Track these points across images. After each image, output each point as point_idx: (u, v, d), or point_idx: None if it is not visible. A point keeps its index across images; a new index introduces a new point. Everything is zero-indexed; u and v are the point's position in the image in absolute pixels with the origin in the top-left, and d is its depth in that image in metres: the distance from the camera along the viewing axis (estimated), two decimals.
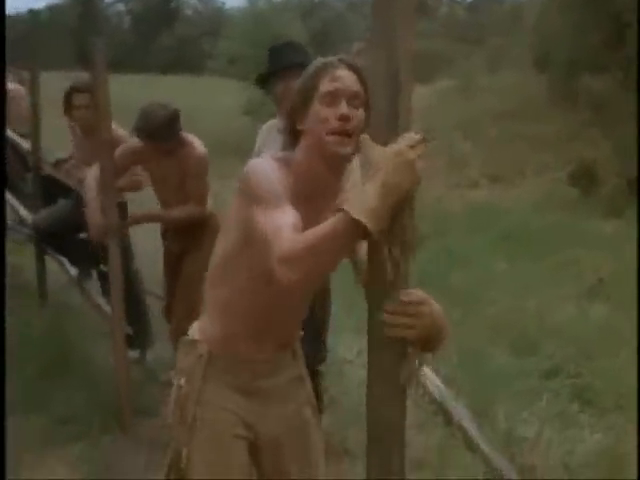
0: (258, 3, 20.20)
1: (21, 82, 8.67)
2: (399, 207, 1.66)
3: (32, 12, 54.14)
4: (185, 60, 37.46)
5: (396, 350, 1.73)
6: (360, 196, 1.65)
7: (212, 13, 46.56)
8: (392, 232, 1.67)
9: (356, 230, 1.67)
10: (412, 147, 1.63)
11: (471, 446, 4.12)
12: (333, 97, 2.02)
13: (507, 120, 16.07)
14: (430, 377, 4.54)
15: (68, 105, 5.21)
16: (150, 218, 4.65)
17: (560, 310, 6.45)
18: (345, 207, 1.67)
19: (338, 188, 2.04)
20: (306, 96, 2.06)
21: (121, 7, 53.27)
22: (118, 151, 4.28)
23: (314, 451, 2.42)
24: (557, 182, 12.41)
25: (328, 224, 1.74)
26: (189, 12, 52.06)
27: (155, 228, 5.06)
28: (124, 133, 4.95)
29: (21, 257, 7.14)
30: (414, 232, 1.70)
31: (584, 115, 14.59)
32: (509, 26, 26.82)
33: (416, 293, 1.74)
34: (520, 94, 17.44)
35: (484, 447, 4.09)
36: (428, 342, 1.76)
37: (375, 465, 1.80)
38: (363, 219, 1.63)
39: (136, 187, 5.02)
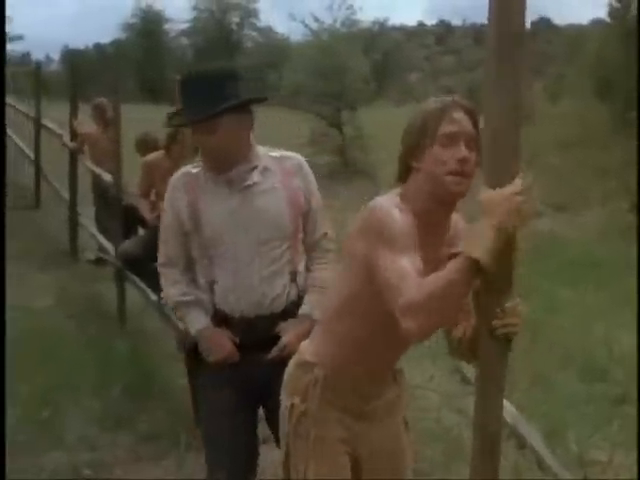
0: (322, 35, 20.47)
1: (100, 118, 8.88)
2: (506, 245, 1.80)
3: (98, 46, 55.55)
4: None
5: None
6: (479, 239, 1.79)
7: (273, 45, 47.18)
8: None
9: (475, 271, 1.81)
10: (518, 193, 1.76)
11: (544, 468, 4.21)
12: (452, 139, 2.09)
13: (570, 149, 16.05)
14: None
15: (172, 141, 5.48)
16: None
17: (627, 337, 6.47)
18: (466, 250, 1.82)
19: (447, 225, 2.21)
20: (424, 137, 2.13)
21: (184, 41, 54.25)
22: None
23: (404, 466, 2.56)
24: (621, 211, 12.36)
25: (450, 269, 1.85)
26: (250, 45, 52.81)
27: None
28: None
29: (101, 285, 7.42)
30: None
31: None
32: (569, 55, 26.76)
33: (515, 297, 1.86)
34: (582, 122, 17.39)
35: (556, 469, 4.17)
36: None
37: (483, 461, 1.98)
38: (484, 259, 1.77)
39: None
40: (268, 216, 2.82)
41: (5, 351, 3.68)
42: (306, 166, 2.96)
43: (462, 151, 2.08)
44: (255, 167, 2.85)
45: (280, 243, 2.85)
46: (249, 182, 2.83)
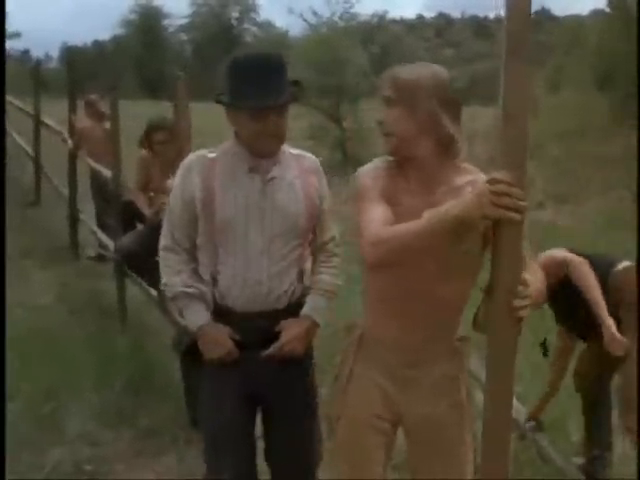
0: (321, 29, 20.45)
1: (93, 113, 8.91)
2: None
3: (97, 43, 55.59)
4: None
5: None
6: (448, 207, 2.03)
7: (272, 39, 47.12)
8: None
9: (437, 229, 2.04)
10: (492, 192, 1.89)
11: (545, 459, 4.21)
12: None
13: (570, 139, 16.03)
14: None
15: (148, 142, 5.53)
16: None
17: None
18: (436, 210, 2.05)
19: (430, 180, 2.35)
20: None
21: (183, 36, 54.28)
22: None
23: (457, 455, 2.47)
24: (622, 201, 12.34)
25: (417, 221, 2.08)
26: (249, 39, 52.82)
27: None
28: None
29: (101, 281, 7.43)
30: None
31: None
32: (569, 46, 26.70)
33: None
34: (582, 113, 17.37)
35: (557, 459, 4.18)
36: None
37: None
38: (436, 224, 2.03)
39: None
40: (286, 211, 2.77)
41: (6, 351, 3.70)
42: (321, 168, 2.96)
43: (380, 115, 2.36)
44: (279, 161, 2.83)
45: (292, 239, 2.80)
46: (272, 174, 2.79)
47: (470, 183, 2.33)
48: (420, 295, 2.35)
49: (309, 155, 2.97)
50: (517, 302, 1.94)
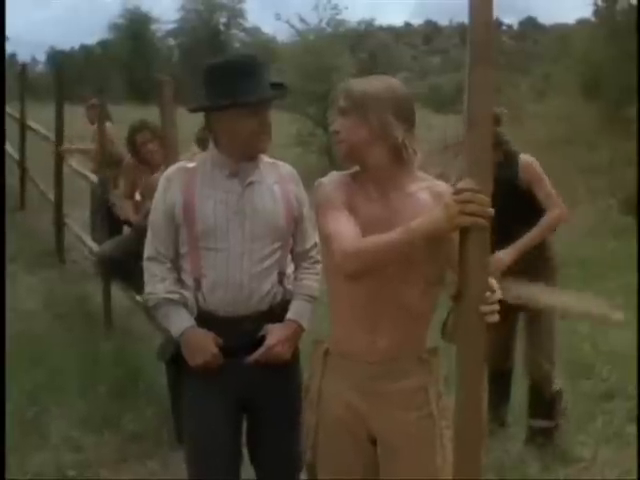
0: (308, 36, 20.48)
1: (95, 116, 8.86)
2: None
3: (85, 47, 55.43)
4: None
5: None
6: (419, 222, 2.07)
7: (260, 45, 47.03)
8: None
9: (410, 243, 2.09)
10: (459, 202, 1.94)
11: (528, 465, 4.23)
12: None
13: (557, 147, 16.08)
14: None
15: (132, 145, 5.53)
16: None
17: (613, 334, 6.49)
18: (408, 226, 2.08)
19: (388, 186, 2.40)
20: None
21: (171, 41, 54.12)
22: None
23: (428, 469, 2.39)
24: (609, 209, 12.40)
25: (390, 233, 2.12)
26: (237, 45, 52.73)
27: None
28: None
29: (87, 286, 7.41)
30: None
31: (635, 142, 14.54)
32: (556, 54, 26.85)
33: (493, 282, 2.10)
34: (569, 121, 17.44)
35: (541, 466, 4.20)
36: None
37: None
38: (407, 239, 2.08)
39: None
40: (265, 213, 2.81)
41: (5, 352, 3.68)
42: (298, 176, 3.00)
43: (333, 126, 2.44)
44: (258, 166, 2.87)
45: (272, 241, 2.82)
46: (252, 178, 2.83)
47: (425, 189, 2.39)
48: (388, 305, 2.35)
49: (284, 163, 3.02)
50: (485, 308, 1.99)
